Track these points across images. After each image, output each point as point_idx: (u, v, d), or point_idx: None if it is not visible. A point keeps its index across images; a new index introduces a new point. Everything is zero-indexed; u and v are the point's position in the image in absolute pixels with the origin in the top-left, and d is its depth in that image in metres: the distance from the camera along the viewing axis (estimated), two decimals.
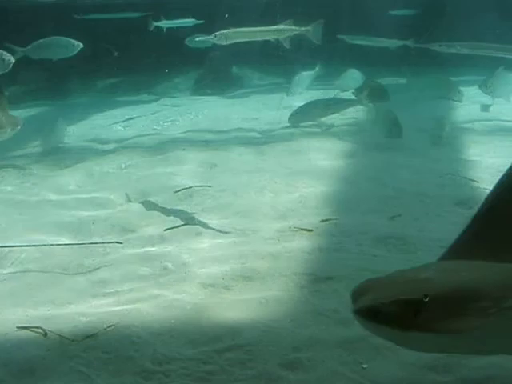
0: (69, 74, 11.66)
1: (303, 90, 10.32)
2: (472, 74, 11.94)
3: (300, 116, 8.81)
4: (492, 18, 11.25)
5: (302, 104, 9.03)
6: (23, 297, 4.34)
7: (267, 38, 8.20)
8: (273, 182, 6.50)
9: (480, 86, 9.29)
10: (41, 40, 8.71)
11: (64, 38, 8.96)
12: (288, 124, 8.81)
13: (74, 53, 8.98)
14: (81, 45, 8.91)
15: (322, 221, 5.36)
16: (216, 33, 7.66)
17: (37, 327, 3.81)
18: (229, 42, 7.71)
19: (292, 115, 8.86)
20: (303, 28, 8.08)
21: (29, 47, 8.81)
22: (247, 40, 8.11)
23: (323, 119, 8.81)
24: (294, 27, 8.05)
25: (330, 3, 12.16)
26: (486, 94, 9.31)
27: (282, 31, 8.04)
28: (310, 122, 8.82)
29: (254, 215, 5.62)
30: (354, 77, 9.70)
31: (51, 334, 3.77)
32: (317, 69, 10.53)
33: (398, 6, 11.72)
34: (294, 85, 10.39)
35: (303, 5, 12.19)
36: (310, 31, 8.10)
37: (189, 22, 10.53)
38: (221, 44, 7.79)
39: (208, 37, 7.82)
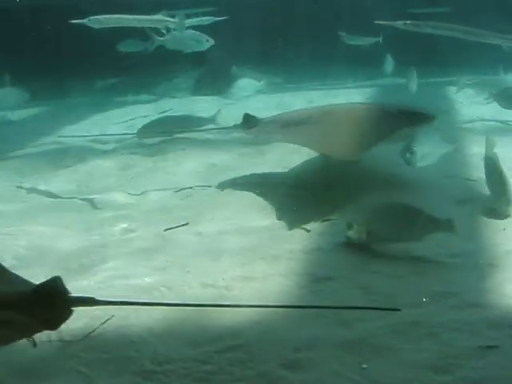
0: (68, 73, 11.67)
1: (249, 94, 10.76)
2: (472, 74, 11.94)
3: (148, 130, 8.36)
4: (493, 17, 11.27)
5: (154, 119, 8.78)
6: None
7: (140, 25, 8.66)
8: (273, 182, 6.50)
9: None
10: (176, 32, 8.89)
11: (198, 32, 9.31)
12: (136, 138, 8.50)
13: (205, 48, 9.34)
14: (212, 41, 9.19)
15: (322, 221, 5.36)
16: (90, 17, 8.00)
17: None
18: (102, 26, 8.10)
19: (140, 130, 8.48)
20: (172, 20, 8.48)
21: (165, 37, 8.98)
22: (121, 25, 8.47)
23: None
24: (164, 18, 8.44)
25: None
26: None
27: (153, 21, 8.49)
28: (159, 138, 8.38)
29: (253, 214, 5.62)
30: (391, 61, 11.05)
31: (51, 333, 3.77)
32: (262, 82, 10.79)
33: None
34: (234, 88, 10.72)
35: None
36: (177, 23, 8.50)
37: (207, 20, 10.53)
38: (95, 27, 8.11)
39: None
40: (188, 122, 8.64)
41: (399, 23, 7.90)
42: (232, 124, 7.04)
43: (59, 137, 8.95)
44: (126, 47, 10.65)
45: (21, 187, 6.85)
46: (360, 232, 4.67)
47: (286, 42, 12.08)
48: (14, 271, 3.41)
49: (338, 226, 5.24)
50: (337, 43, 11.12)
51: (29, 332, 3.10)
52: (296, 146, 7.12)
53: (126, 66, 11.86)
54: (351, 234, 4.72)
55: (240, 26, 10.86)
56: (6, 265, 3.46)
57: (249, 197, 6.09)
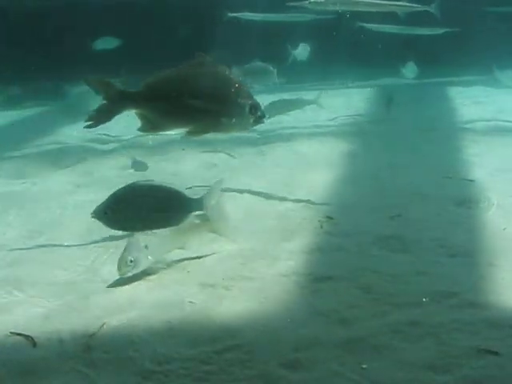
0: (68, 73, 11.67)
1: None
2: (471, 73, 11.97)
3: None
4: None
5: None
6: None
7: None
8: (272, 182, 6.50)
9: None
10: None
11: None
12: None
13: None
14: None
15: (322, 220, 5.36)
16: None
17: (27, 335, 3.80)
18: None
19: None
20: None
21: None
22: None
23: None
24: None
25: None
26: None
27: None
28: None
29: (253, 216, 5.62)
30: (413, 68, 11.69)
31: (51, 333, 3.77)
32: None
33: None
34: None
35: None
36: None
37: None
38: None
39: None
40: None
41: (305, 2, 7.79)
42: None
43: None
44: (101, 45, 10.88)
45: (20, 187, 6.85)
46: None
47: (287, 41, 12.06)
48: None
49: (337, 226, 5.26)
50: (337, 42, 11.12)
51: None
52: (296, 147, 7.16)
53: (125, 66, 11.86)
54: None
55: (242, 25, 10.86)
56: None
57: (248, 197, 6.09)
